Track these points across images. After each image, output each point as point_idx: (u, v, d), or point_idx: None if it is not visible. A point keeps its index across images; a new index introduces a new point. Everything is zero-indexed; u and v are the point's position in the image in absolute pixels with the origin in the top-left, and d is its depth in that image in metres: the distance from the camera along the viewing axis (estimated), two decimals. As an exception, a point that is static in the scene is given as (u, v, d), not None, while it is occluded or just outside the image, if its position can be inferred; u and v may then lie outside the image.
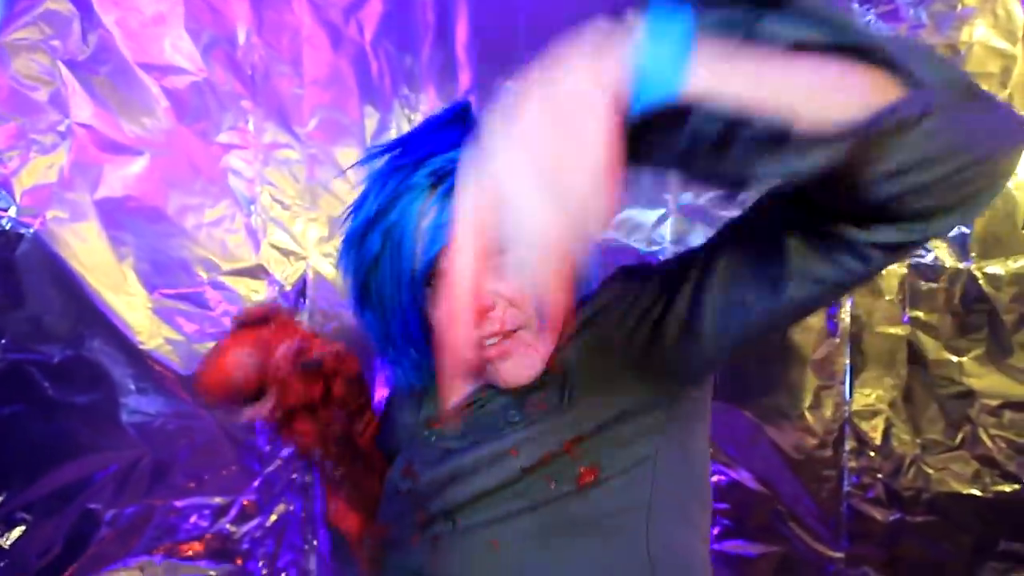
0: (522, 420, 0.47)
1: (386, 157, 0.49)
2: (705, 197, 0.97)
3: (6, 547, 0.71)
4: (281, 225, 1.01)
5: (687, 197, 0.98)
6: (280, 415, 0.47)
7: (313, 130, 1.06)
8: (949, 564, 0.86)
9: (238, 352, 0.46)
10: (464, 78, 1.26)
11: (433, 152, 0.46)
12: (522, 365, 0.48)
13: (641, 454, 0.45)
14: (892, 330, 0.87)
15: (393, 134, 1.19)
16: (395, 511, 0.51)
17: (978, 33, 0.82)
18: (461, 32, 1.20)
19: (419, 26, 1.17)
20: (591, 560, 0.43)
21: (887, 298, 0.87)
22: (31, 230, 0.72)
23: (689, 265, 0.40)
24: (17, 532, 0.71)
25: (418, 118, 1.24)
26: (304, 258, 1.02)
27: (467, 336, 0.43)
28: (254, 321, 0.49)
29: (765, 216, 0.36)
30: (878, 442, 0.88)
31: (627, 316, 0.45)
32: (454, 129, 0.47)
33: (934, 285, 0.85)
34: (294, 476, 0.99)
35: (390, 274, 0.47)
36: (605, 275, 0.52)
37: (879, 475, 0.88)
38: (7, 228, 0.70)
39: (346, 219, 0.51)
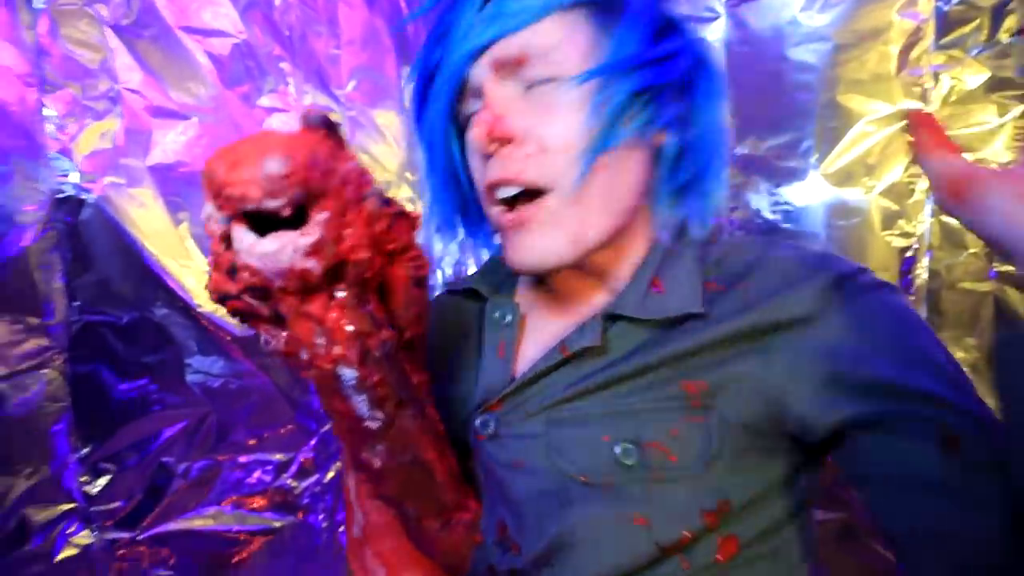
0: (640, 468, 0.36)
1: None
2: (765, 146, 0.91)
3: (93, 494, 0.76)
4: (325, 189, 1.01)
5: (743, 149, 0.92)
6: (323, 264, 0.27)
7: (352, 91, 1.04)
8: None
9: (303, 141, 0.27)
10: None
11: None
12: (537, 243, 0.37)
13: (779, 519, 0.37)
14: (976, 286, 0.80)
15: (431, 93, 1.16)
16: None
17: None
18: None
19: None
20: None
21: (971, 251, 0.80)
22: (92, 196, 0.74)
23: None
24: (103, 481, 0.76)
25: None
26: (348, 222, 1.03)
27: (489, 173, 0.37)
28: (321, 126, 0.30)
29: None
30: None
31: (831, 372, 0.34)
32: None
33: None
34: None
35: (445, 78, 0.38)
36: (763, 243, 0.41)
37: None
38: (71, 194, 0.72)
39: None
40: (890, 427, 0.32)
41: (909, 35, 0.82)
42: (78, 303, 0.73)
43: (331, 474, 1.02)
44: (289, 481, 0.97)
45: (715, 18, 0.93)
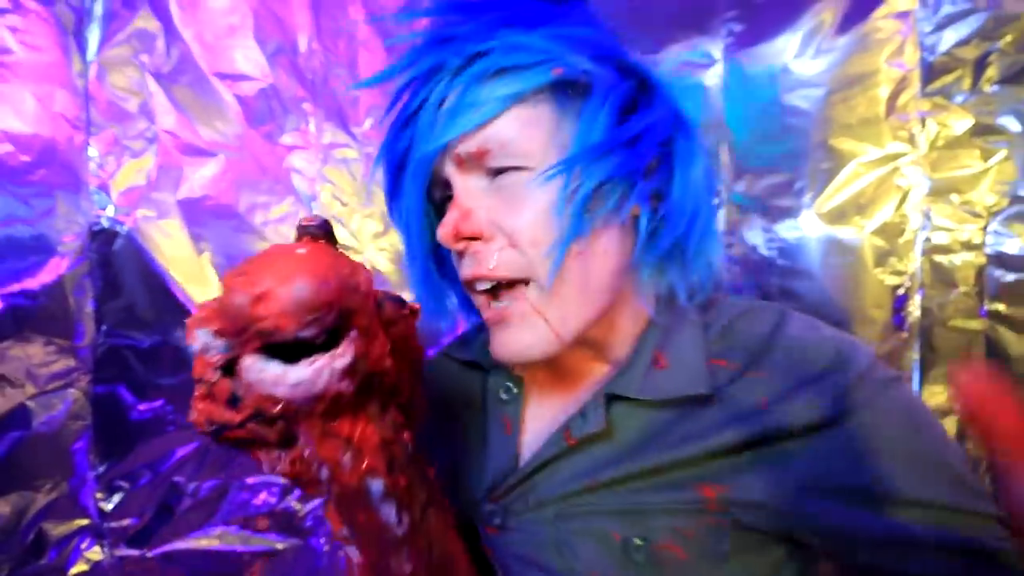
0: (649, 566, 0.35)
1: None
2: (760, 186, 0.94)
3: (108, 511, 0.79)
4: (340, 221, 1.06)
5: (741, 186, 0.95)
6: (356, 383, 0.26)
7: (368, 129, 1.11)
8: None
9: (323, 257, 0.25)
10: (511, 74, 1.28)
11: (470, 29, 0.36)
12: (520, 337, 0.36)
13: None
14: (967, 324, 0.81)
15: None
16: None
17: None
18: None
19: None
20: None
21: (961, 289, 0.82)
22: (125, 228, 0.80)
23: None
24: (117, 497, 0.80)
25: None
26: (360, 252, 1.08)
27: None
28: (320, 233, 0.29)
29: None
30: (951, 443, 0.83)
31: (850, 483, 0.33)
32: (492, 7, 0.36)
33: (1018, 275, 0.79)
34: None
35: (411, 174, 0.37)
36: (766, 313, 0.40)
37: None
38: (106, 227, 0.78)
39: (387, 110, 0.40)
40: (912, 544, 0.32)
41: (897, 82, 0.86)
42: (105, 327, 0.78)
43: (335, 498, 1.04)
44: (293, 504, 0.99)
45: (713, 64, 0.99)
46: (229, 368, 0.25)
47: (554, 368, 0.42)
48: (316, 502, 1.02)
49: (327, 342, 0.25)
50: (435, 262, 0.42)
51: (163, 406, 0.84)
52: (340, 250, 0.29)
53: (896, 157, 0.86)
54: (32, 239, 0.72)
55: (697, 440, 0.35)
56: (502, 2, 0.36)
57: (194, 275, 0.86)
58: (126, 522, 0.81)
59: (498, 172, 0.36)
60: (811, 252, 0.91)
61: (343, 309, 0.25)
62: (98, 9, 0.78)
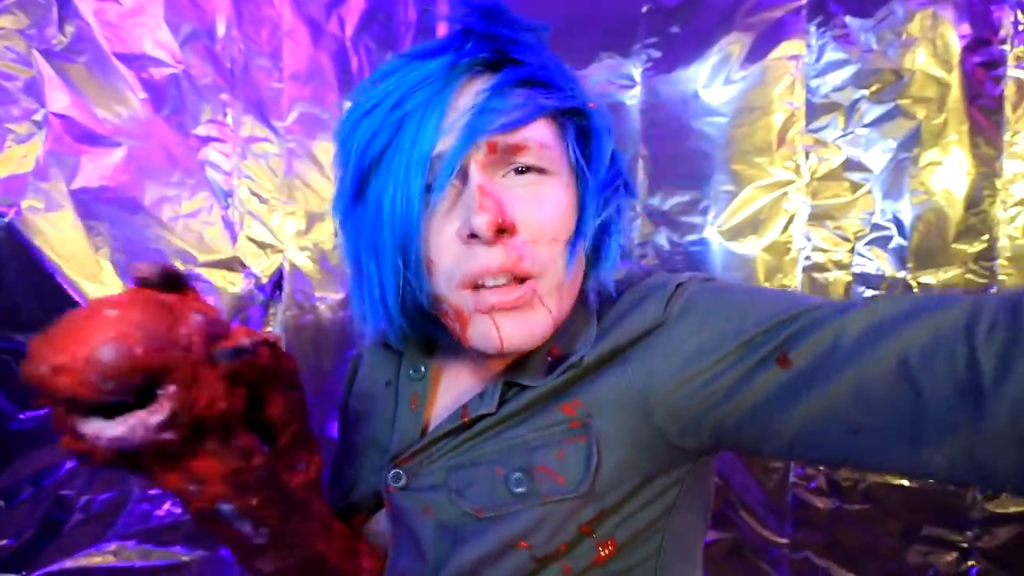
0: (530, 494, 0.39)
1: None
2: (671, 202, 1.02)
3: (-22, 531, 0.71)
4: (258, 218, 1.02)
5: (654, 201, 1.03)
6: (181, 432, 0.27)
7: (291, 124, 1.07)
8: (881, 547, 0.94)
9: (133, 315, 0.26)
10: (444, 77, 1.28)
11: (467, 44, 0.39)
12: (528, 326, 0.39)
13: (656, 514, 0.40)
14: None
15: (372, 130, 1.21)
16: None
17: (919, 60, 0.89)
18: (443, 29, 1.22)
19: (401, 22, 1.19)
20: None
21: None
22: (5, 219, 0.72)
23: (782, 345, 0.34)
24: (-10, 517, 0.72)
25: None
26: (281, 251, 1.04)
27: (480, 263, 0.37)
28: (156, 281, 0.29)
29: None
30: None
31: (684, 359, 0.37)
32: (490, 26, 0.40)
33: (875, 292, 0.92)
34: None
35: (394, 172, 0.38)
36: (624, 280, 0.44)
37: (820, 467, 0.95)
38: (-18, 217, 0.70)
39: (352, 102, 0.41)
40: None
41: (788, 117, 0.97)
42: (-20, 328, 0.70)
43: (249, 505, 1.00)
44: (202, 513, 0.94)
45: (632, 86, 1.05)
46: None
47: (470, 358, 0.46)
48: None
49: (147, 395, 0.26)
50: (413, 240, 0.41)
51: (48, 415, 0.77)
52: (187, 295, 0.30)
53: (785, 184, 0.97)
54: None
55: (561, 379, 0.40)
56: (538, 26, 0.41)
57: (90, 272, 0.79)
58: (2, 543, 0.73)
59: (521, 172, 0.39)
60: (713, 263, 1.00)
61: (155, 367, 0.26)
62: (-24, -26, 0.70)
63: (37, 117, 0.75)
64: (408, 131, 0.38)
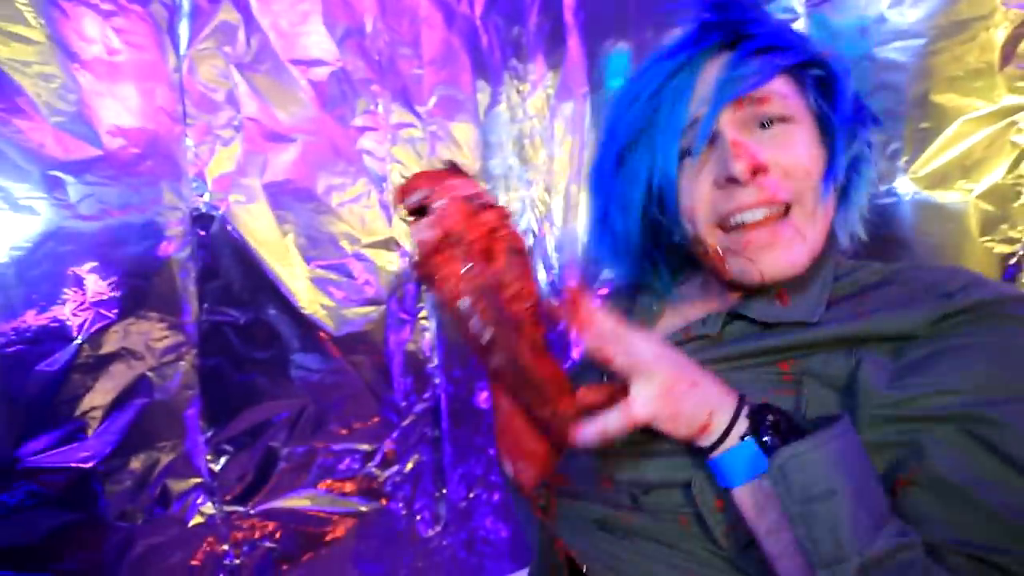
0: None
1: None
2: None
3: (216, 471, 0.87)
4: (408, 200, 1.09)
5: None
6: (436, 235, 0.43)
7: (432, 108, 1.12)
8: None
9: (426, 176, 0.45)
10: (572, 44, 1.24)
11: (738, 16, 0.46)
12: (786, 256, 0.43)
13: None
14: None
15: (503, 108, 1.21)
16: (578, 467, 0.48)
17: None
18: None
19: (527, -7, 1.18)
20: None
21: None
22: (219, 212, 0.85)
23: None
24: (223, 460, 0.88)
25: (526, 89, 1.25)
26: (428, 230, 1.10)
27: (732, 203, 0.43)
28: (449, 165, 0.47)
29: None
30: None
31: (906, 395, 0.37)
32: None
33: None
34: (425, 431, 1.09)
35: (655, 143, 0.46)
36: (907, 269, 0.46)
37: None
38: (203, 211, 0.84)
39: (613, 98, 0.51)
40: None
41: (1016, 25, 0.77)
42: (207, 305, 0.85)
43: (410, 465, 1.10)
44: (374, 469, 1.05)
45: (795, 19, 0.92)
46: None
47: (703, 295, 0.53)
48: (394, 468, 1.09)
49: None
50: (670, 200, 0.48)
51: (258, 378, 0.91)
52: (459, 173, 0.46)
53: (1013, 111, 0.77)
54: (143, 226, 0.78)
55: (786, 339, 0.42)
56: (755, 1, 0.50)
57: (280, 255, 0.91)
58: (231, 482, 0.89)
59: (766, 124, 0.45)
60: (905, 220, 0.85)
61: (430, 199, 0.44)
62: (186, 5, 0.82)
63: (236, 122, 0.87)
64: (664, 111, 0.45)
